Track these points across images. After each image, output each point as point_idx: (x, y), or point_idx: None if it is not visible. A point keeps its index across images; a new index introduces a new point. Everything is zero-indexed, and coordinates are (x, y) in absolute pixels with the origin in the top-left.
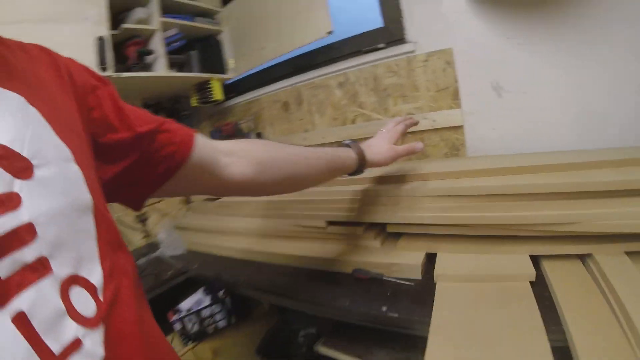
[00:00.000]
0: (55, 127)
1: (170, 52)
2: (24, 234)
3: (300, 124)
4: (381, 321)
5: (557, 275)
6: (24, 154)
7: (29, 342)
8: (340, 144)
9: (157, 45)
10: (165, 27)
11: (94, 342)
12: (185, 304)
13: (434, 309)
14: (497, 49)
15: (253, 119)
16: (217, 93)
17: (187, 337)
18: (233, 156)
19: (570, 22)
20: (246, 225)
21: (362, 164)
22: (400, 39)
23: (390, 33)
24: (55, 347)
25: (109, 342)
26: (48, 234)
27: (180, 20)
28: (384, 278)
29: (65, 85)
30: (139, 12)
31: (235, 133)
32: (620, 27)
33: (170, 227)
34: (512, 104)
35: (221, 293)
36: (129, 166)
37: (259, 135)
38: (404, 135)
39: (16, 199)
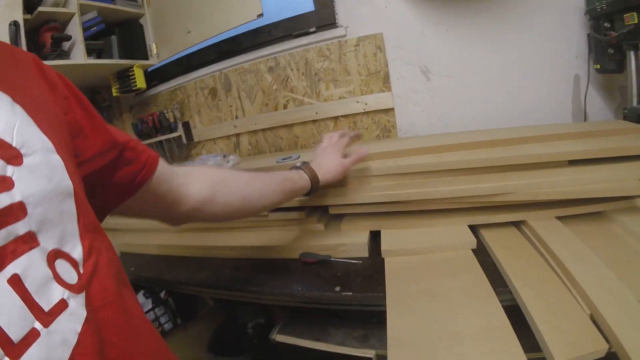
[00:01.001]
0: (38, 123)
1: (89, 38)
2: (17, 210)
3: (229, 110)
4: (336, 301)
5: (496, 242)
6: (14, 144)
7: (22, 300)
8: (292, 167)
9: (75, 30)
10: (84, 10)
11: (77, 304)
12: None
13: (386, 283)
14: (426, 35)
15: (178, 107)
16: (140, 81)
17: None
18: (189, 177)
19: (494, 9)
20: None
21: (315, 183)
22: (331, 23)
23: (322, 17)
24: (45, 305)
25: (90, 307)
26: (36, 212)
27: (99, 3)
28: (332, 259)
29: (52, 94)
30: None
31: (160, 123)
32: (537, 14)
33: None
34: (439, 87)
35: (162, 294)
36: (92, 173)
37: (185, 125)
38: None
39: (9, 182)
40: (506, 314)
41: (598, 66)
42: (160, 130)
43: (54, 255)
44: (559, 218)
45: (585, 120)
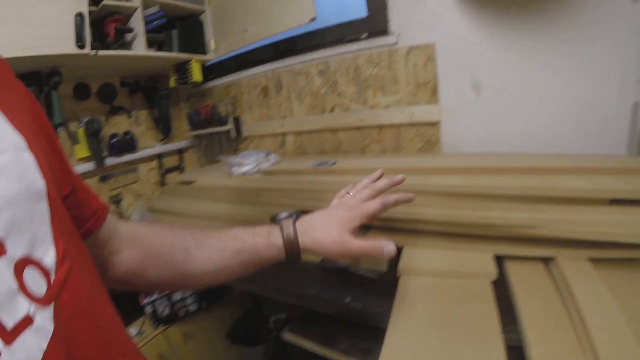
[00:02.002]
0: (10, 119)
1: (150, 31)
2: None
3: (278, 110)
4: (345, 311)
5: (519, 277)
6: None
7: None
8: (276, 218)
9: (137, 23)
10: (147, 4)
11: (44, 319)
12: None
13: (395, 301)
14: (479, 47)
15: (232, 102)
16: (196, 74)
17: (158, 320)
18: (126, 243)
19: (552, 23)
20: (219, 210)
21: (293, 252)
22: (383, 31)
23: (374, 24)
24: (9, 321)
25: (59, 319)
26: (3, 217)
27: None
28: (351, 270)
29: (20, 91)
30: None
31: (213, 116)
32: (600, 28)
33: (144, 209)
34: (490, 103)
35: None
36: None
37: (236, 120)
38: (379, 215)
39: None
40: (511, 355)
41: None
42: (212, 122)
43: (23, 264)
44: (592, 260)
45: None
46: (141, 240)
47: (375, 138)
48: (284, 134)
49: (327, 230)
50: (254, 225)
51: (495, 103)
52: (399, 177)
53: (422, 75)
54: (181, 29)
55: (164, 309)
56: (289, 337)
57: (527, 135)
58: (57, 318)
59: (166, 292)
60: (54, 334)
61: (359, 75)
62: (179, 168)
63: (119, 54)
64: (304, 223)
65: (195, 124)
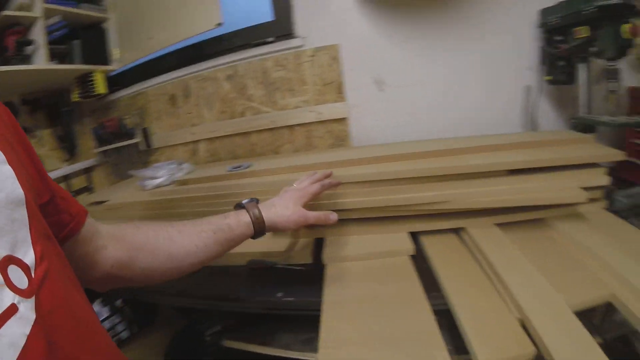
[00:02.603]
0: None
1: (52, 42)
2: None
3: (188, 118)
4: (279, 306)
5: (434, 249)
6: None
7: None
8: (236, 204)
9: (38, 34)
10: (48, 14)
11: (26, 308)
12: None
13: (324, 287)
14: (380, 46)
15: (139, 113)
16: (100, 86)
17: None
18: (109, 239)
19: (450, 23)
20: None
21: (260, 227)
22: (289, 34)
23: (280, 27)
24: None
25: (40, 311)
26: None
27: (64, 7)
28: (277, 266)
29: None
30: None
31: (120, 129)
32: (491, 27)
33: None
34: (392, 97)
35: (119, 302)
36: None
37: (144, 131)
38: (318, 196)
39: None
40: (440, 317)
41: (549, 78)
42: (120, 136)
43: (7, 261)
44: (498, 225)
45: (534, 130)
46: (123, 235)
47: (288, 138)
48: (196, 142)
49: (286, 206)
50: None
51: (398, 98)
52: (329, 171)
53: (328, 75)
54: (84, 39)
55: None
56: (229, 344)
57: (430, 125)
58: (38, 309)
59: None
60: (35, 322)
61: (267, 78)
62: (87, 189)
63: (20, 68)
64: (265, 203)
65: (101, 140)
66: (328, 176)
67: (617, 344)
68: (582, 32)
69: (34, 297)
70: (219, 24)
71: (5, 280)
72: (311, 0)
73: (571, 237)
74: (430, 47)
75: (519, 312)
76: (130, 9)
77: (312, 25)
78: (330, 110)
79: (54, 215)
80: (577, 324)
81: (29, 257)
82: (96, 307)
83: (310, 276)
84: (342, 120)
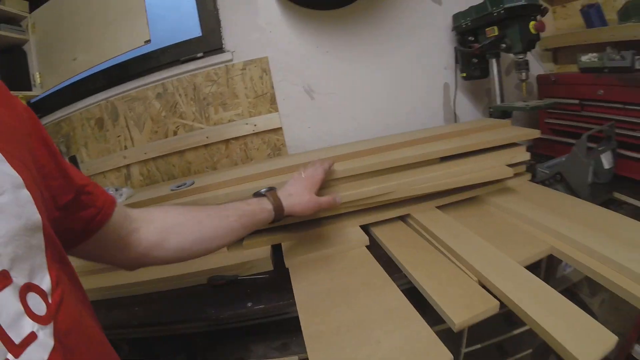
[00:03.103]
0: (7, 157)
1: None
2: None
3: (117, 141)
4: (250, 316)
5: (386, 236)
6: None
7: None
8: (255, 192)
9: None
10: None
11: (45, 335)
12: None
13: (293, 287)
14: (308, 57)
15: (64, 140)
16: None
17: None
18: (141, 222)
19: (370, 32)
20: (81, 262)
21: (279, 214)
22: (218, 49)
23: (209, 42)
24: (16, 338)
25: (58, 335)
26: (7, 252)
27: None
28: (239, 278)
29: (18, 125)
30: None
31: None
32: (409, 34)
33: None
34: (323, 105)
35: None
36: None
37: (72, 160)
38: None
39: None
40: (407, 297)
41: (464, 74)
42: None
43: (25, 289)
44: (439, 208)
45: (455, 122)
46: (154, 217)
47: (224, 153)
48: (128, 166)
49: (302, 194)
50: None
51: (328, 105)
52: (330, 162)
53: (260, 87)
54: (3, 63)
55: None
56: None
57: (361, 128)
58: (56, 334)
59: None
60: (54, 348)
61: (198, 94)
62: None
63: None
64: (283, 192)
65: None
66: (332, 164)
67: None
68: (493, 31)
69: (52, 323)
70: (147, 41)
71: (25, 308)
72: (238, 15)
73: (505, 208)
74: (354, 55)
75: (476, 275)
76: (52, 29)
77: (240, 39)
78: (264, 122)
79: (79, 212)
80: (528, 274)
81: (46, 283)
82: None
83: (275, 282)
84: (277, 130)
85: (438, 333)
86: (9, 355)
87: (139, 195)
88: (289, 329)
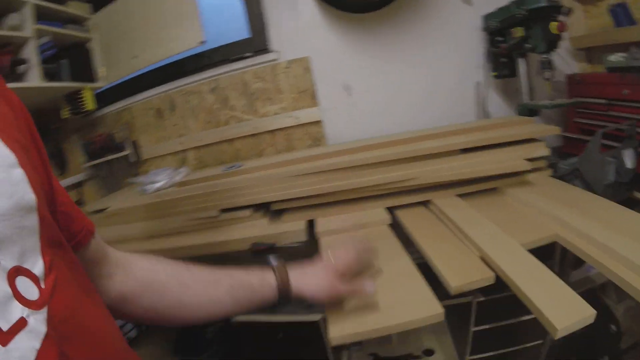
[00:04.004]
0: (2, 136)
1: (43, 61)
2: None
3: (174, 129)
4: None
5: (408, 218)
6: None
7: None
8: (264, 264)
9: (30, 53)
10: (39, 34)
11: (37, 321)
12: None
13: (322, 253)
14: (346, 56)
15: (126, 127)
16: (89, 102)
17: None
18: (117, 268)
19: (405, 31)
20: (140, 231)
21: (285, 295)
22: (265, 49)
23: (256, 43)
24: (4, 324)
25: (52, 322)
26: None
27: (54, 28)
28: (277, 245)
29: (13, 102)
30: (11, 19)
31: (109, 144)
32: (442, 34)
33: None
34: (359, 101)
35: None
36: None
37: (134, 143)
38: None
39: None
40: (419, 270)
41: (495, 73)
42: (109, 150)
43: (15, 273)
44: (459, 196)
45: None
46: (133, 267)
47: (269, 142)
48: (184, 151)
49: (319, 277)
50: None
51: (364, 101)
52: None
53: (302, 84)
54: (70, 58)
55: None
56: (239, 318)
57: (395, 123)
58: (49, 320)
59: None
60: (47, 335)
61: (247, 89)
62: (79, 203)
63: (14, 86)
64: (296, 269)
65: (91, 154)
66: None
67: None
68: (518, 32)
69: (45, 309)
70: (202, 42)
71: (13, 292)
72: (282, 18)
73: (520, 199)
74: (389, 54)
75: (479, 251)
76: (113, 30)
77: (285, 40)
78: (306, 115)
79: (62, 222)
80: (526, 253)
81: (38, 268)
82: None
83: (307, 250)
84: (317, 122)
85: (447, 307)
86: None
87: (195, 174)
88: None
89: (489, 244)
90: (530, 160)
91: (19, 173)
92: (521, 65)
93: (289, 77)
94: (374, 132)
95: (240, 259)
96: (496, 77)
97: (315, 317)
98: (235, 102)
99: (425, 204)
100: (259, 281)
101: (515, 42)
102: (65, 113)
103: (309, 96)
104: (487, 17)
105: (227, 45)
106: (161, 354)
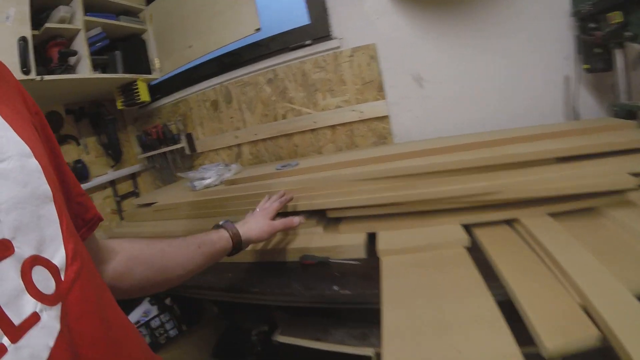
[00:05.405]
0: (15, 127)
1: (93, 53)
2: None
3: (230, 122)
4: (335, 300)
5: (489, 240)
6: None
7: None
8: (214, 226)
9: (80, 45)
10: (89, 26)
11: (51, 317)
12: (133, 317)
13: (382, 280)
14: (417, 44)
15: (181, 119)
16: (144, 94)
17: None
18: (106, 253)
19: (482, 16)
20: (185, 227)
21: (238, 241)
22: (326, 36)
23: (317, 30)
24: (16, 319)
25: (65, 319)
26: (9, 219)
27: (104, 19)
28: (331, 261)
29: (26, 100)
30: (61, 11)
31: (164, 135)
32: (524, 18)
33: (104, 238)
34: (432, 93)
35: (168, 301)
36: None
37: (188, 136)
38: (280, 210)
39: None
40: (500, 310)
41: (587, 66)
42: (164, 141)
43: (31, 262)
44: (550, 215)
45: (576, 120)
46: (120, 248)
47: (330, 138)
48: (239, 145)
49: (257, 221)
50: None
51: (437, 95)
52: (282, 191)
53: (367, 74)
54: (124, 50)
55: (144, 338)
56: (281, 339)
57: (470, 120)
58: (63, 317)
59: (148, 296)
60: (60, 332)
61: (307, 80)
62: (134, 193)
63: (66, 77)
64: (239, 222)
65: (146, 146)
66: (282, 195)
67: None
68: (616, 17)
69: (59, 305)
70: (258, 29)
71: (27, 285)
72: (345, 2)
73: (624, 224)
74: (465, 42)
75: (580, 297)
76: (168, 19)
77: (348, 26)
78: (371, 109)
79: (73, 212)
80: (635, 302)
81: (59, 257)
82: (145, 306)
83: (364, 270)
84: (383, 118)
85: (527, 356)
86: (5, 340)
87: (246, 172)
88: (371, 319)
89: (593, 288)
90: (635, 175)
91: (33, 164)
92: (619, 58)
93: (352, 66)
94: (447, 131)
95: (289, 270)
96: (588, 70)
97: (368, 351)
98: (293, 94)
99: (509, 221)
100: (217, 237)
101: (611, 29)
102: (120, 104)
103: (375, 88)
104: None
105: (285, 32)
106: (199, 356)
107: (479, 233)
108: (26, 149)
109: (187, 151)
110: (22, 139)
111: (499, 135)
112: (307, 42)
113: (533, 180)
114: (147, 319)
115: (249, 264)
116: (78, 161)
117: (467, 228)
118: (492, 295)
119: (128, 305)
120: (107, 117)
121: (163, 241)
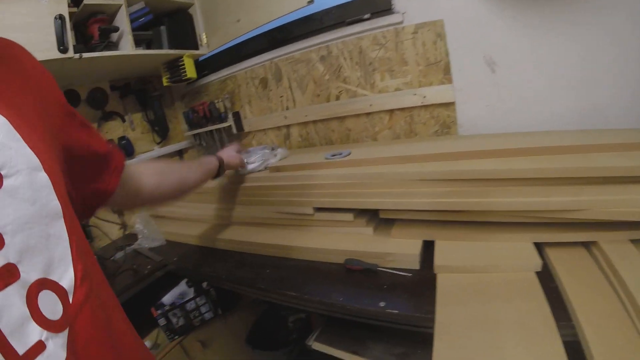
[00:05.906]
0: (25, 137)
1: (137, 29)
2: None
3: (280, 101)
4: (379, 318)
5: (563, 265)
6: None
7: None
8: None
9: (122, 21)
10: (131, 1)
11: (56, 345)
12: (168, 298)
13: (437, 305)
14: (491, 22)
15: (229, 97)
16: (190, 70)
17: (173, 332)
18: (137, 173)
19: None
20: (226, 213)
21: (221, 165)
22: (387, 9)
23: (377, 3)
24: (20, 348)
25: (72, 345)
26: (15, 241)
27: None
28: (379, 269)
29: (34, 94)
30: None
31: (211, 113)
32: (612, 6)
33: (147, 217)
34: (506, 80)
35: (205, 284)
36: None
37: (236, 115)
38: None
39: None
40: (567, 351)
41: None
42: (211, 119)
43: (38, 287)
44: (633, 242)
45: None
46: (145, 167)
47: (386, 124)
48: (288, 126)
49: (231, 151)
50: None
51: (511, 82)
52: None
53: (432, 54)
54: (169, 25)
55: (178, 320)
56: (316, 346)
57: (548, 114)
58: (70, 344)
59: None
60: None
61: (364, 59)
62: None
63: (106, 55)
64: (219, 152)
65: (193, 123)
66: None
67: None
68: None
69: (66, 331)
70: (310, 1)
71: (32, 312)
72: None
73: None
74: (546, 24)
75: None
76: None
77: None
78: (435, 94)
79: (109, 167)
80: None
81: (67, 279)
82: (182, 287)
83: (417, 285)
84: (448, 105)
85: None
86: None
87: (293, 158)
88: (415, 338)
89: None
90: None
91: (42, 178)
92: None
93: (416, 45)
94: (518, 126)
95: (332, 274)
96: None
97: None
98: (349, 73)
99: (586, 244)
100: (207, 161)
101: None
102: (165, 81)
103: (441, 70)
104: None
105: (340, 5)
106: (233, 340)
107: (551, 255)
108: (36, 161)
109: (234, 130)
110: (33, 150)
111: (581, 139)
112: (365, 16)
113: (621, 199)
114: (182, 301)
115: (289, 260)
116: (122, 138)
117: (538, 246)
118: (560, 337)
119: (164, 286)
120: (153, 93)
121: (177, 163)
